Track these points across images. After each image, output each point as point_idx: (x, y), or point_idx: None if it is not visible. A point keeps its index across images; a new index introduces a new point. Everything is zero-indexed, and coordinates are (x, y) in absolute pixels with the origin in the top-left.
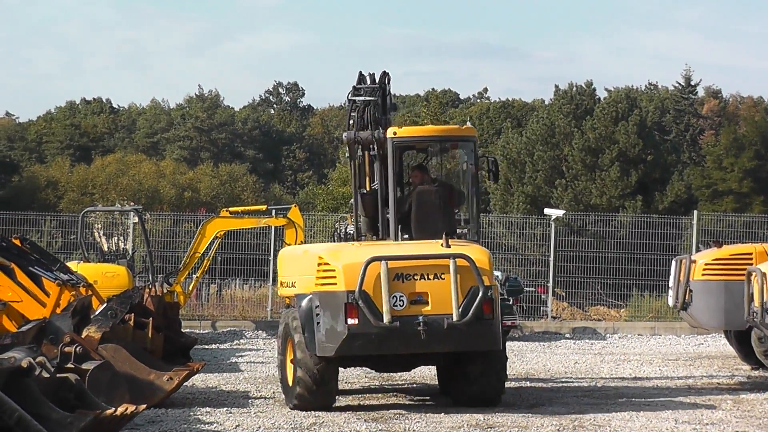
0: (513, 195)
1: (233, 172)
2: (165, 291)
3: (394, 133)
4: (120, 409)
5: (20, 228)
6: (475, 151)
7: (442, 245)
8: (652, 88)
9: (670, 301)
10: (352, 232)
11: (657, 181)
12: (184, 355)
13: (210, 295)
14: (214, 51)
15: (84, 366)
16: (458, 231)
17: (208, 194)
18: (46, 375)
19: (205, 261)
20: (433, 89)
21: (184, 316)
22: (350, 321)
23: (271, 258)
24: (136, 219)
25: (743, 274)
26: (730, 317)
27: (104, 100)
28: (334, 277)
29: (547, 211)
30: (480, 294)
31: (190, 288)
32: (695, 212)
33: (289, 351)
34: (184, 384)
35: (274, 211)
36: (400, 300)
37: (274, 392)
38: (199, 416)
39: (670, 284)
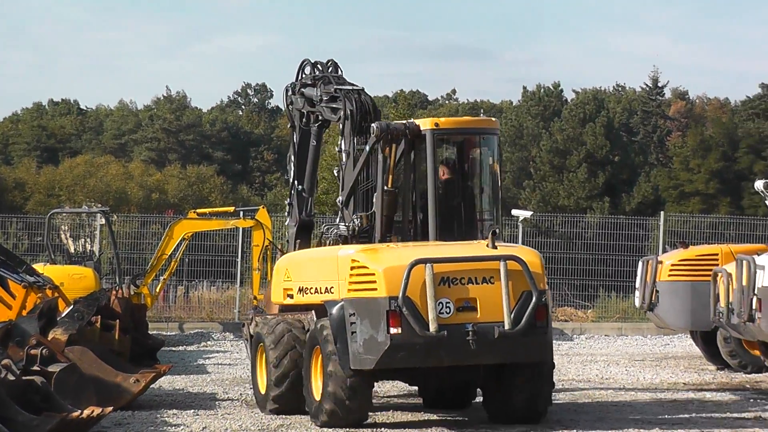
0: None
1: (201, 173)
2: (132, 293)
3: (436, 125)
4: (86, 412)
5: None
6: (499, 145)
7: (487, 246)
8: (619, 89)
9: (637, 302)
10: (344, 235)
11: (624, 183)
12: (151, 357)
13: (177, 297)
14: (183, 52)
15: (50, 368)
16: (495, 230)
17: (175, 196)
18: (11, 378)
19: (173, 263)
20: (401, 90)
21: (151, 318)
22: (393, 330)
23: (239, 260)
24: (103, 221)
25: (709, 275)
26: (696, 318)
27: (72, 102)
28: (374, 282)
29: (514, 212)
30: (533, 299)
31: (158, 290)
32: (662, 213)
33: (314, 363)
34: (151, 386)
35: (242, 212)
36: (446, 307)
37: (241, 394)
38: (166, 418)
39: (637, 285)
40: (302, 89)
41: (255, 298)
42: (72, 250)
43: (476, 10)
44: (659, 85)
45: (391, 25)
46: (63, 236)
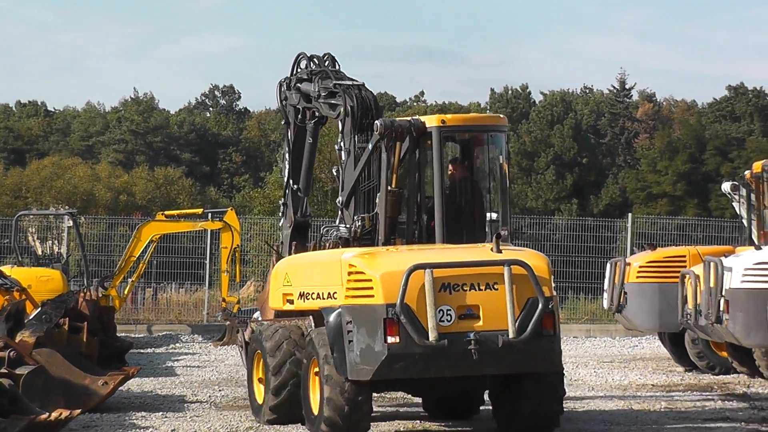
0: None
1: (169, 175)
2: (100, 295)
3: (443, 122)
4: (54, 414)
5: None
6: (507, 142)
7: (492, 250)
8: (587, 91)
9: (605, 304)
10: (345, 237)
11: (592, 184)
12: (119, 359)
13: (145, 299)
14: (150, 54)
15: (18, 371)
16: (503, 233)
17: (143, 198)
18: None
19: (141, 265)
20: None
21: (119, 320)
22: (390, 339)
23: (207, 262)
24: (71, 223)
25: (677, 277)
26: (664, 319)
27: (39, 103)
28: (371, 288)
29: None
30: (539, 306)
31: (126, 292)
32: (630, 215)
33: (312, 372)
34: (120, 388)
35: (210, 214)
36: (447, 314)
37: (210, 396)
38: (135, 421)
39: (605, 287)
40: (298, 84)
41: (224, 300)
42: (39, 252)
43: (444, 12)
44: (626, 87)
45: (358, 26)
46: (30, 238)
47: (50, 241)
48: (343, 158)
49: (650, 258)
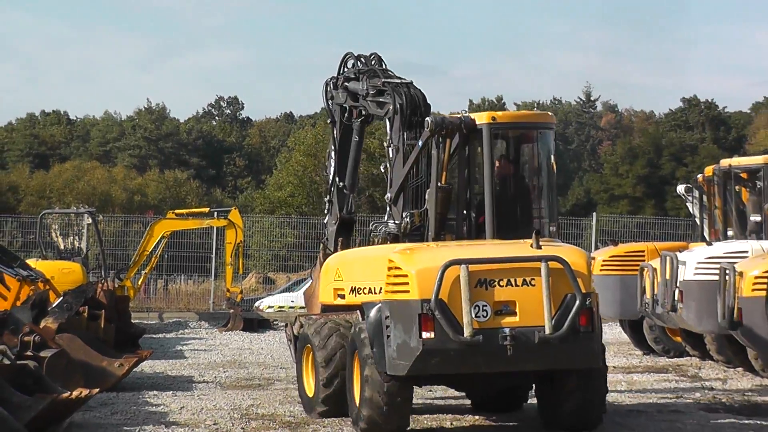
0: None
1: (178, 178)
2: (116, 286)
3: (493, 119)
4: (75, 393)
5: None
6: (555, 140)
7: (531, 246)
8: (556, 102)
9: None
10: (394, 233)
11: (560, 187)
12: (133, 343)
13: (157, 290)
14: (162, 67)
15: (42, 354)
16: (551, 229)
17: (155, 198)
18: (7, 362)
19: (153, 258)
20: None
21: (133, 309)
22: (425, 335)
23: (213, 256)
24: (90, 220)
25: (637, 270)
26: (624, 308)
27: (61, 112)
28: (407, 283)
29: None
30: (577, 302)
31: (139, 283)
32: (594, 214)
33: (355, 367)
34: (134, 370)
35: (216, 213)
36: (483, 310)
37: (215, 377)
38: (147, 399)
39: None
40: (345, 83)
41: (228, 290)
42: (62, 247)
43: (428, 30)
44: (592, 99)
45: (352, 43)
46: (53, 234)
47: (71, 237)
48: (392, 155)
49: (612, 253)
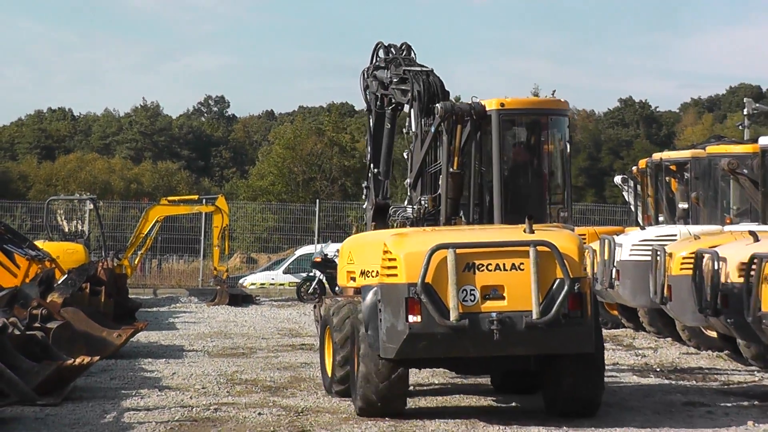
0: (398, 187)
1: (170, 168)
2: (115, 264)
3: (502, 105)
4: (78, 360)
5: None
6: (569, 127)
7: (524, 230)
8: None
9: None
10: (410, 218)
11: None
12: (130, 316)
13: (152, 268)
14: (157, 69)
15: (48, 325)
16: (562, 214)
17: (150, 186)
18: (17, 332)
19: (148, 240)
20: (333, 102)
21: (130, 285)
22: (412, 318)
23: (202, 238)
24: (92, 206)
25: None
26: None
27: (66, 109)
28: (395, 267)
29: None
30: (565, 287)
31: (136, 262)
32: None
33: (355, 349)
34: (131, 340)
35: (204, 200)
36: (470, 294)
37: (203, 346)
38: (143, 366)
39: None
40: (375, 72)
41: (215, 269)
42: (66, 230)
43: (392, 38)
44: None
45: (324, 48)
46: (59, 218)
47: (75, 221)
48: (413, 141)
49: None
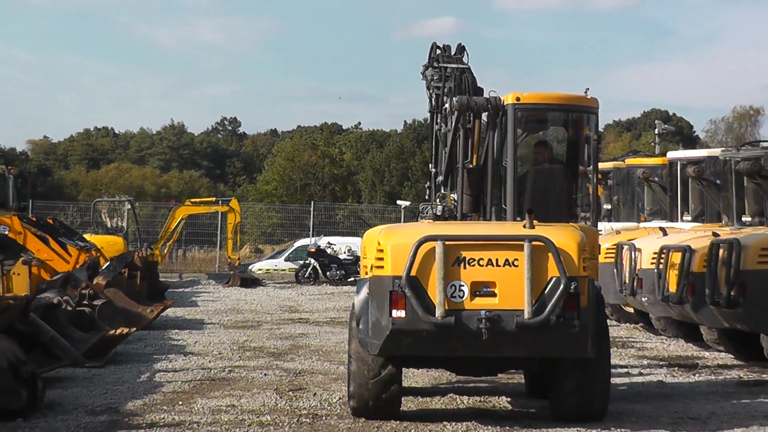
0: (377, 192)
1: (193, 176)
2: (148, 254)
3: (517, 99)
4: (118, 331)
5: (52, 212)
6: (597, 124)
7: (524, 226)
8: None
9: None
10: (439, 214)
11: None
12: (160, 295)
13: (178, 257)
14: (182, 96)
15: (94, 303)
16: (582, 215)
17: (176, 190)
18: (69, 308)
19: (175, 234)
20: (325, 122)
21: (161, 270)
22: (395, 313)
23: (219, 232)
24: (129, 206)
25: None
26: None
27: (109, 128)
28: (383, 259)
29: (399, 202)
30: (561, 287)
31: (165, 252)
32: None
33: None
34: (161, 315)
35: (220, 201)
36: (459, 290)
37: (220, 320)
38: (171, 335)
39: None
40: (425, 72)
41: (229, 257)
42: (109, 225)
43: (370, 68)
44: None
45: (317, 78)
46: (103, 216)
47: (116, 219)
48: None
49: None
